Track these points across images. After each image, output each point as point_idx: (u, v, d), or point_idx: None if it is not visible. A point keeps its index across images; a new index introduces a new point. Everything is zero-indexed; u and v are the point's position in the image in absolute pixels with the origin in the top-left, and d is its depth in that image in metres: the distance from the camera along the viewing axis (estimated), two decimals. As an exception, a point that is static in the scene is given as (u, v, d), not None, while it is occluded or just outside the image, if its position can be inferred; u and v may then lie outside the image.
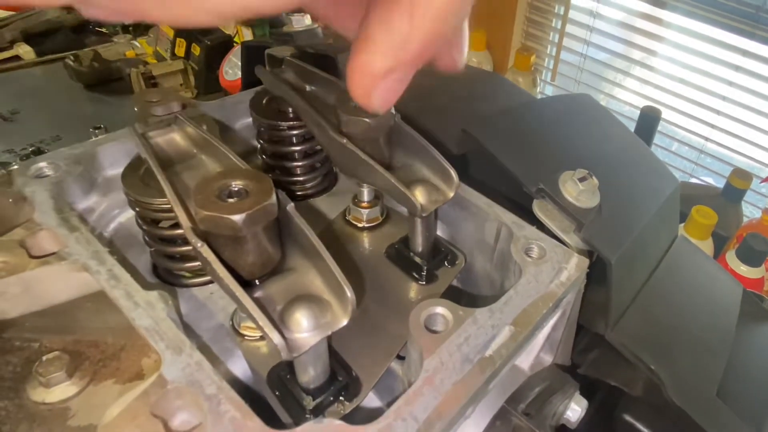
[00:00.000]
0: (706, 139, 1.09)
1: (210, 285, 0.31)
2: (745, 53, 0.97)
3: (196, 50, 1.46)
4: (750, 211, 1.04)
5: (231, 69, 1.47)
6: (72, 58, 1.48)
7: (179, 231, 0.29)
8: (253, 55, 0.53)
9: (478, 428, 0.28)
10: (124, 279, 0.26)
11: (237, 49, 1.45)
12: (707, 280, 0.44)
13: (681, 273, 0.42)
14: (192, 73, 1.45)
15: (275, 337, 0.21)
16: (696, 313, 0.41)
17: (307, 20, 0.70)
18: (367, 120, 0.28)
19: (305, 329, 0.22)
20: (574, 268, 0.29)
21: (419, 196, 0.28)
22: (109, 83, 1.48)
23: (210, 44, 1.44)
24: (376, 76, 0.18)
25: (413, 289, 0.32)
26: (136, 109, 0.35)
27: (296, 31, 0.47)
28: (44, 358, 0.35)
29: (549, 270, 0.29)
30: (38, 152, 1.27)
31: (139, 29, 1.63)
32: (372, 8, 0.17)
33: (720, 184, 1.04)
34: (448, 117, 0.40)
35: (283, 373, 0.26)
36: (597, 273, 0.34)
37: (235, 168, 0.24)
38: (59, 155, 0.32)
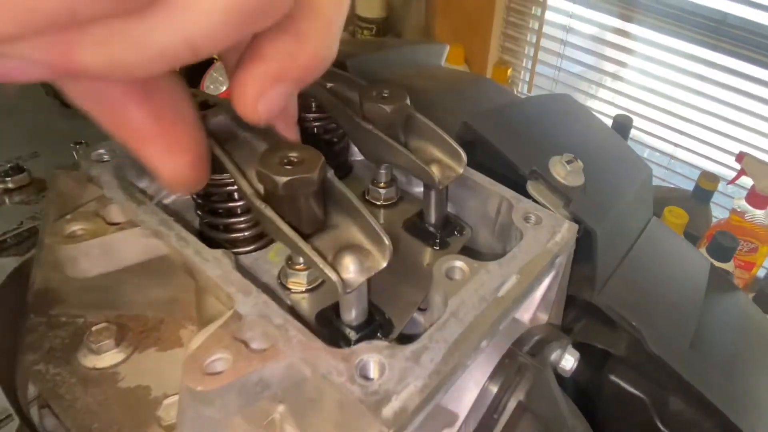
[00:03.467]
0: (676, 145, 1.20)
1: (254, 253, 0.37)
2: (709, 64, 1.09)
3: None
4: (718, 213, 1.14)
5: (212, 84, 1.53)
6: (46, 73, 1.51)
7: (232, 204, 0.35)
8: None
9: (490, 364, 0.34)
10: (191, 240, 0.32)
11: (218, 65, 1.51)
12: (679, 255, 0.52)
13: (656, 248, 0.50)
14: (170, 90, 1.49)
15: (334, 276, 0.27)
16: (670, 281, 0.49)
17: None
18: (386, 107, 0.35)
19: (353, 271, 0.28)
20: (566, 231, 0.36)
21: (435, 171, 0.35)
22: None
23: (189, 60, 1.50)
24: (263, 89, 0.21)
25: (429, 254, 0.39)
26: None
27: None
28: (94, 328, 0.41)
29: (545, 233, 0.36)
30: (18, 168, 1.30)
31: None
32: (263, 33, 0.20)
33: (690, 188, 1.15)
34: (448, 113, 0.48)
35: (329, 315, 0.32)
36: (583, 249, 0.42)
37: (289, 142, 0.30)
38: (115, 143, 0.38)
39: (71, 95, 0.21)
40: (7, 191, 1.35)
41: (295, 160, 0.29)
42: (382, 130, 0.36)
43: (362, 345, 0.28)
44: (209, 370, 0.26)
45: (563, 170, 0.41)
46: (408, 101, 0.37)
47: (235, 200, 0.36)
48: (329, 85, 0.40)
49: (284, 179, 0.28)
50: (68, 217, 0.32)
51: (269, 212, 0.28)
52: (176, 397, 0.37)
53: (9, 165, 1.32)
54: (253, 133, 0.34)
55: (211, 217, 0.36)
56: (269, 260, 0.38)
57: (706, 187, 1.08)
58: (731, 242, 0.97)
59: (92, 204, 0.34)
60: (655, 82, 1.18)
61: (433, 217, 0.39)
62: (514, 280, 0.33)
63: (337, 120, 0.39)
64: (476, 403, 0.34)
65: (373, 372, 0.27)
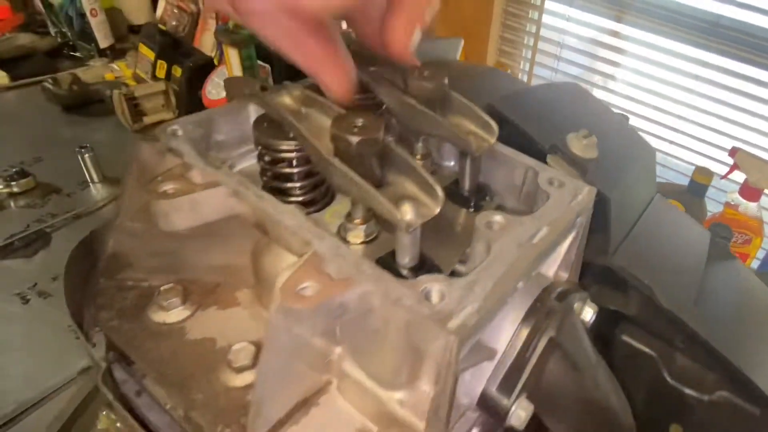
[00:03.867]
0: (671, 142, 1.27)
1: (314, 214, 0.43)
2: (703, 63, 1.16)
3: (177, 72, 1.58)
4: (711, 207, 1.21)
5: (214, 89, 1.59)
6: (50, 81, 1.56)
7: (296, 169, 0.41)
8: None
9: (523, 307, 0.40)
10: (268, 197, 0.37)
11: (220, 70, 1.57)
12: (682, 226, 0.58)
13: (661, 219, 0.56)
14: (173, 94, 1.55)
15: (398, 215, 0.33)
16: (675, 247, 0.55)
17: (343, 25, 0.81)
18: (428, 84, 0.41)
19: (412, 215, 0.34)
20: (586, 194, 0.42)
21: (472, 140, 0.41)
22: (88, 105, 1.57)
23: (192, 66, 1.56)
24: (410, 32, 0.33)
25: (465, 216, 0.44)
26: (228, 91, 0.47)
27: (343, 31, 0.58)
28: (162, 288, 0.46)
29: (568, 194, 0.42)
30: (22, 173, 1.35)
31: (116, 53, 1.74)
32: None
33: (685, 183, 1.21)
34: (471, 97, 0.54)
35: (387, 260, 0.37)
36: (597, 219, 0.47)
37: (353, 112, 0.36)
38: (186, 120, 0.43)
39: (272, 38, 0.34)
40: (13, 195, 1.40)
41: (361, 124, 0.35)
42: (424, 104, 0.42)
43: (423, 276, 0.33)
44: (301, 294, 0.32)
45: (579, 144, 0.47)
46: (446, 80, 0.42)
47: (297, 166, 0.41)
48: (372, 68, 0.45)
49: (357, 139, 0.33)
50: (159, 178, 0.38)
51: (343, 167, 0.34)
52: (244, 344, 0.42)
53: (14, 170, 1.37)
54: (314, 108, 0.40)
55: (276, 182, 0.41)
56: (326, 221, 0.43)
57: (700, 181, 1.14)
58: (726, 234, 1.03)
59: (177, 168, 0.39)
60: (650, 81, 1.25)
61: (467, 184, 0.44)
62: (546, 230, 0.38)
63: (381, 98, 0.45)
64: (512, 341, 0.40)
65: (435, 297, 0.32)
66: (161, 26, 1.77)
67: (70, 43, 1.71)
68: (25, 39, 1.72)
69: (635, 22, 1.21)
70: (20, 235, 1.27)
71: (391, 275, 0.33)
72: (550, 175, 0.43)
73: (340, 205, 0.45)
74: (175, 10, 1.82)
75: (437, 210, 0.34)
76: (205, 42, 1.74)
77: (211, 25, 1.71)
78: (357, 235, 0.40)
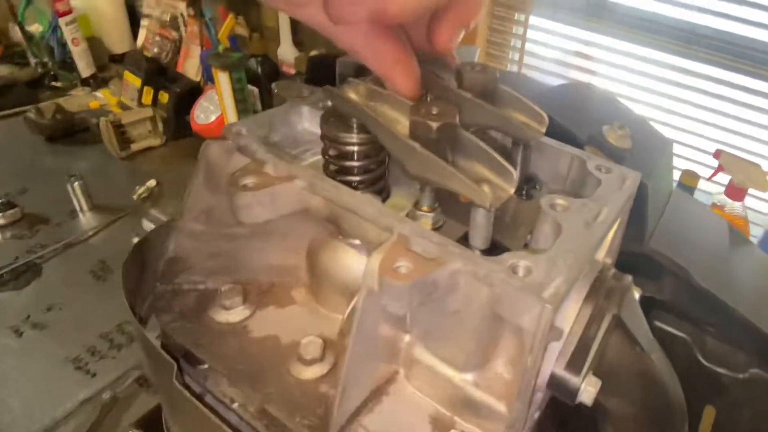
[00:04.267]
0: (657, 149, 1.33)
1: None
2: (682, 70, 1.22)
3: (164, 98, 1.59)
4: None
5: (203, 113, 1.60)
6: (33, 111, 1.55)
7: (358, 163, 0.42)
8: (318, 67, 0.67)
9: (585, 287, 0.41)
10: (343, 187, 0.39)
11: (208, 94, 1.59)
12: (703, 214, 0.62)
13: (684, 207, 0.59)
14: (160, 120, 1.56)
15: (481, 193, 0.35)
16: (701, 232, 0.58)
17: None
18: (481, 77, 0.44)
19: (491, 195, 0.36)
20: (632, 178, 0.45)
21: (526, 129, 0.43)
22: (72, 134, 1.56)
23: (180, 91, 1.57)
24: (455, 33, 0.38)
25: (521, 203, 0.46)
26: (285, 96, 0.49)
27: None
28: (223, 288, 0.47)
29: (617, 179, 0.44)
30: (8, 204, 1.32)
31: (99, 81, 1.73)
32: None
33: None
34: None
35: (461, 244, 0.39)
36: (634, 206, 0.50)
37: (434, 101, 0.38)
38: (247, 122, 0.45)
39: (352, 45, 0.37)
40: (0, 227, 1.36)
41: (436, 111, 0.37)
42: (481, 97, 0.44)
43: (507, 254, 0.35)
44: (398, 271, 0.33)
45: (615, 135, 0.50)
46: (498, 73, 0.45)
47: (361, 159, 0.43)
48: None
49: (437, 124, 0.35)
50: (238, 173, 0.39)
51: (425, 150, 0.36)
52: (312, 337, 0.43)
53: (0, 201, 1.34)
54: (380, 101, 0.42)
55: (340, 176, 0.43)
56: (387, 213, 0.45)
57: (688, 183, 1.19)
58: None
59: (251, 164, 0.40)
60: (633, 90, 1.31)
61: (519, 173, 0.47)
62: (606, 211, 0.41)
63: (434, 93, 0.47)
64: (577, 320, 0.42)
65: (522, 271, 0.34)
66: (144, 53, 1.77)
67: (51, 73, 1.70)
68: (3, 70, 1.70)
69: (617, 33, 1.27)
70: (9, 267, 1.24)
71: (478, 254, 0.35)
72: (597, 162, 0.46)
73: (395, 200, 0.47)
74: (157, 38, 1.82)
75: (512, 190, 0.36)
76: (189, 68, 1.75)
77: (195, 51, 1.73)
78: (426, 222, 0.41)
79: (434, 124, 0.35)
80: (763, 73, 1.16)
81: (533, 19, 1.39)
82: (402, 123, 0.40)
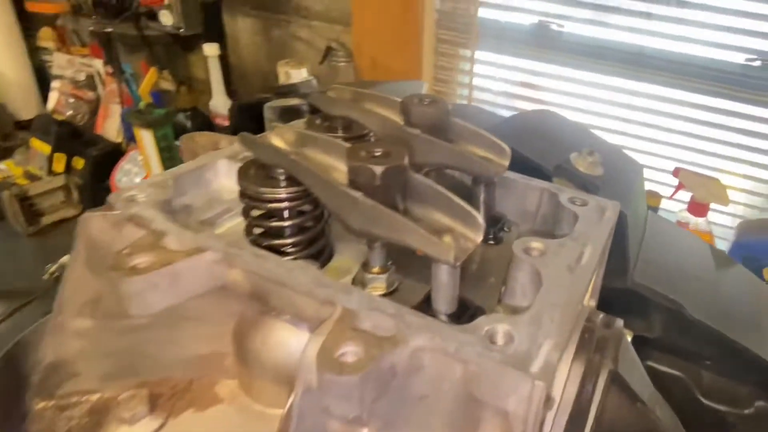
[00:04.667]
0: (616, 173, 1.33)
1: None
2: (634, 93, 1.23)
3: (79, 163, 1.50)
4: None
5: (125, 177, 1.52)
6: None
7: (290, 222, 0.36)
8: (245, 116, 0.61)
9: (573, 343, 0.36)
10: (269, 255, 0.32)
11: (130, 156, 1.51)
12: (682, 237, 0.58)
13: (662, 232, 0.56)
14: (75, 188, 1.46)
15: (444, 247, 0.29)
16: (684, 258, 0.55)
17: (305, 73, 0.80)
18: (431, 110, 0.39)
19: (455, 248, 0.30)
20: (611, 209, 0.41)
21: (487, 164, 0.39)
22: (-28, 215, 1.43)
23: (97, 154, 1.49)
24: None
25: (489, 250, 0.41)
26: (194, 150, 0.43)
27: (297, 83, 0.56)
28: (121, 397, 0.39)
29: (595, 211, 0.40)
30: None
31: (2, 152, 1.62)
32: None
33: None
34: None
35: (422, 309, 0.33)
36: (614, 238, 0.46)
37: (368, 142, 0.32)
38: (143, 184, 0.38)
39: None
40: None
41: (381, 152, 0.31)
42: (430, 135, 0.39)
43: (482, 318, 0.29)
44: (342, 361, 0.26)
45: (585, 163, 0.46)
46: (449, 106, 0.40)
47: (292, 218, 0.37)
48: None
49: (381, 168, 0.30)
50: (126, 250, 0.32)
51: (367, 200, 0.30)
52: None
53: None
54: (311, 146, 0.36)
55: (267, 240, 0.37)
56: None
57: (650, 204, 1.19)
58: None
59: (147, 236, 0.33)
60: (586, 116, 1.31)
61: (483, 215, 0.41)
62: (590, 250, 0.36)
63: (377, 132, 0.41)
64: (568, 381, 0.36)
65: (501, 339, 0.28)
66: (56, 117, 1.68)
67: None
68: None
69: (564, 61, 1.28)
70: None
71: (443, 322, 0.29)
72: (570, 195, 0.41)
73: (339, 261, 0.41)
74: (71, 100, 1.74)
75: (479, 239, 0.31)
76: (109, 128, 1.67)
77: (115, 110, 1.65)
78: (377, 286, 0.35)
79: (378, 169, 0.30)
80: (713, 89, 1.18)
81: (479, 54, 1.39)
82: (340, 170, 0.34)
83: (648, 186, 1.29)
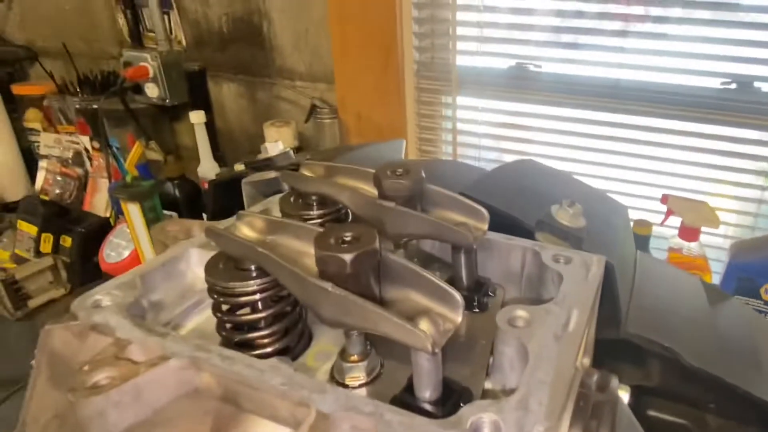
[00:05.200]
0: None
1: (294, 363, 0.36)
2: (613, 125, 1.23)
3: (67, 242, 1.48)
4: (657, 255, 1.22)
5: (113, 251, 1.50)
6: None
7: (265, 313, 0.34)
8: (221, 192, 0.60)
9: (567, 412, 0.34)
10: (238, 356, 0.30)
11: (118, 230, 1.49)
12: (673, 277, 0.57)
13: (652, 274, 0.54)
14: (63, 267, 1.44)
15: (421, 335, 0.27)
16: (677, 300, 0.53)
17: (281, 145, 0.80)
18: (404, 182, 0.38)
19: (434, 333, 0.28)
20: (597, 264, 0.39)
21: (466, 231, 0.37)
22: (-44, 306, 1.40)
23: (84, 231, 1.47)
24: None
25: (474, 318, 0.39)
26: (164, 242, 0.41)
27: (273, 156, 0.55)
28: None
29: (580, 268, 0.38)
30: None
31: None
32: None
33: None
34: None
35: (404, 398, 0.31)
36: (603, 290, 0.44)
37: (336, 226, 0.31)
38: (108, 286, 0.36)
39: None
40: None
41: (350, 237, 0.30)
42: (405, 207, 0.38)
43: (465, 408, 0.27)
44: (319, 477, 0.24)
45: (566, 215, 0.44)
46: (423, 174, 0.39)
47: (264, 309, 0.35)
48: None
49: (351, 256, 0.28)
50: (86, 367, 0.30)
51: (338, 290, 0.28)
52: None
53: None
54: (281, 234, 0.35)
55: (239, 335, 0.35)
56: (309, 367, 0.36)
57: (641, 233, 1.17)
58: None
59: (109, 348, 0.31)
60: (569, 151, 1.31)
61: (465, 281, 0.40)
62: (576, 313, 0.34)
63: (350, 207, 0.40)
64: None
65: (489, 430, 0.26)
66: (43, 197, 1.67)
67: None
68: None
69: (545, 100, 1.29)
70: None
71: (425, 418, 0.27)
72: (554, 252, 0.40)
73: (319, 346, 0.39)
74: (59, 178, 1.73)
75: (459, 318, 0.29)
76: (98, 203, 1.66)
77: (103, 185, 1.64)
78: (356, 376, 0.33)
79: (347, 257, 0.28)
80: (692, 114, 1.18)
81: (461, 99, 1.40)
82: (311, 255, 0.33)
83: (637, 215, 1.27)
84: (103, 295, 0.35)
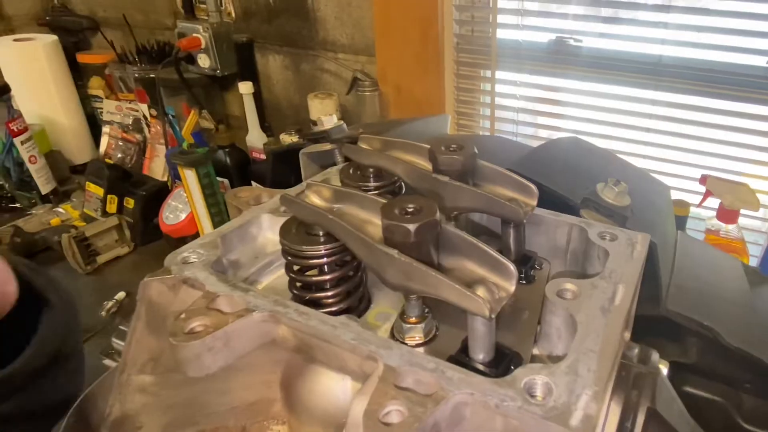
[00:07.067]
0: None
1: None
2: (654, 102, 1.21)
3: (130, 203, 1.54)
4: (694, 236, 1.20)
5: (171, 213, 1.55)
6: (-11, 238, 1.47)
7: (332, 275, 0.36)
8: (279, 162, 0.63)
9: (610, 381, 0.35)
10: (312, 312, 0.33)
11: (176, 193, 1.54)
12: (714, 257, 0.56)
13: (693, 254, 0.54)
14: (127, 227, 1.50)
15: (480, 300, 0.29)
16: (717, 281, 0.53)
17: (335, 119, 0.82)
18: (458, 157, 0.39)
19: (490, 300, 0.30)
20: (641, 241, 0.39)
21: (516, 206, 0.38)
22: (33, 256, 1.48)
23: (146, 194, 1.52)
24: None
25: (521, 290, 0.40)
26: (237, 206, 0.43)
27: (328, 129, 0.57)
28: None
29: (625, 246, 0.39)
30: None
31: (60, 196, 1.68)
32: None
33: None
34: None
35: (460, 359, 0.33)
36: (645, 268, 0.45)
37: (400, 198, 0.32)
38: (194, 245, 0.39)
39: None
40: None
41: (413, 209, 0.31)
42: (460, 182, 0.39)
43: (519, 370, 0.29)
44: (387, 421, 0.26)
45: (612, 193, 0.45)
46: (476, 150, 0.40)
47: (332, 271, 0.37)
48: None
49: (414, 225, 0.30)
50: (182, 316, 0.32)
51: (403, 257, 0.30)
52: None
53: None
54: (347, 203, 0.36)
55: (308, 293, 0.37)
56: (370, 325, 0.38)
57: (679, 213, 1.15)
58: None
59: (199, 300, 0.34)
60: (609, 128, 1.29)
61: (513, 254, 0.41)
62: (622, 288, 0.35)
63: (405, 180, 0.41)
64: (606, 422, 0.35)
65: (540, 392, 0.28)
66: (108, 161, 1.73)
67: (8, 195, 1.64)
68: (-44, 199, 1.64)
69: (585, 76, 1.27)
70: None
71: (482, 376, 0.28)
72: (600, 230, 0.40)
73: (378, 308, 0.41)
74: (120, 143, 1.79)
75: (513, 288, 0.31)
76: (156, 168, 1.71)
77: (160, 150, 1.69)
78: (414, 336, 0.35)
79: (412, 227, 0.30)
80: (735, 94, 1.14)
81: (499, 74, 1.38)
82: (375, 224, 0.35)
83: (675, 195, 1.25)
84: (189, 252, 0.38)
